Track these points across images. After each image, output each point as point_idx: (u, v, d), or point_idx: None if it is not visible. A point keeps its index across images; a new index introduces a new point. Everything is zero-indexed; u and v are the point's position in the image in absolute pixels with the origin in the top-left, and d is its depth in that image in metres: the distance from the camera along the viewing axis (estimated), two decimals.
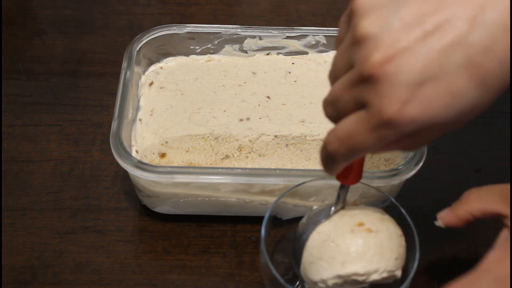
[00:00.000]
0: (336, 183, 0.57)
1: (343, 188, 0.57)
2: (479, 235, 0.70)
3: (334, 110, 0.48)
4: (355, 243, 0.55)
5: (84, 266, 0.67)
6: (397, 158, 0.70)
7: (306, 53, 0.80)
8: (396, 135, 0.44)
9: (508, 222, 0.52)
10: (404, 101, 0.42)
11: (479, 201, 0.55)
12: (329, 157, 0.49)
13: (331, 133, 0.48)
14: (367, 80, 0.44)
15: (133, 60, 0.73)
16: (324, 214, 0.58)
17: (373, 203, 0.65)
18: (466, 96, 0.42)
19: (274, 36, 0.79)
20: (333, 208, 0.57)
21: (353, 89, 0.46)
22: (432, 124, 0.43)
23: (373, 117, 0.44)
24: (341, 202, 0.57)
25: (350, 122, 0.46)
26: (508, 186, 0.53)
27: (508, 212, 0.52)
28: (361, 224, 0.56)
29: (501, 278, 0.48)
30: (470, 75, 0.41)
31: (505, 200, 0.53)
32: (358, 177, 0.54)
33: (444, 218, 0.57)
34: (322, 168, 0.52)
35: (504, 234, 0.52)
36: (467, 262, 0.68)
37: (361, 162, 0.54)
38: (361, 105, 0.45)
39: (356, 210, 0.58)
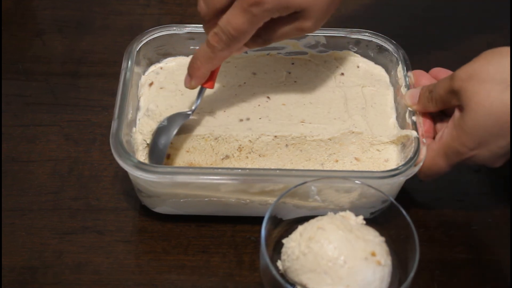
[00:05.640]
0: (336, 183, 0.60)
1: (202, 91, 0.70)
2: (479, 236, 0.70)
3: (207, 6, 0.63)
4: (365, 272, 0.56)
5: (84, 266, 0.67)
6: (397, 158, 0.70)
7: (306, 53, 0.80)
8: (265, 14, 0.60)
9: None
10: None
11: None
12: (210, 49, 0.64)
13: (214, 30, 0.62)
14: None
15: (133, 60, 0.73)
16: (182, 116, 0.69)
17: (373, 203, 0.65)
18: None
19: None
20: (193, 107, 0.70)
21: None
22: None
23: (243, 1, 0.59)
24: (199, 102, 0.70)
25: (227, 14, 0.61)
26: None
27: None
28: (373, 254, 0.57)
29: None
30: None
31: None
32: (213, 84, 0.70)
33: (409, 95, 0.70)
34: (196, 67, 0.66)
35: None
36: (467, 262, 0.68)
37: (217, 72, 0.69)
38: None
39: (368, 235, 0.59)
